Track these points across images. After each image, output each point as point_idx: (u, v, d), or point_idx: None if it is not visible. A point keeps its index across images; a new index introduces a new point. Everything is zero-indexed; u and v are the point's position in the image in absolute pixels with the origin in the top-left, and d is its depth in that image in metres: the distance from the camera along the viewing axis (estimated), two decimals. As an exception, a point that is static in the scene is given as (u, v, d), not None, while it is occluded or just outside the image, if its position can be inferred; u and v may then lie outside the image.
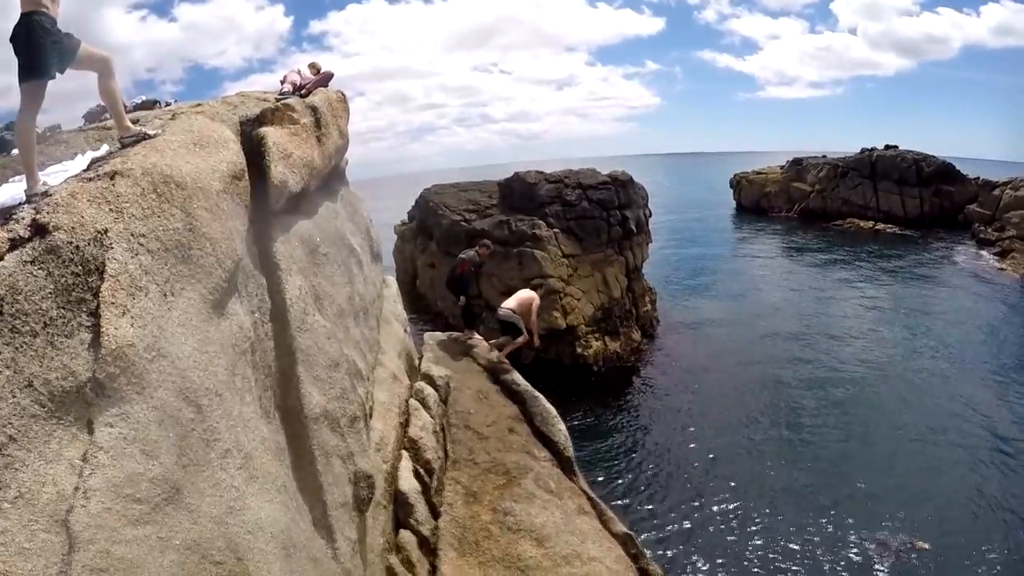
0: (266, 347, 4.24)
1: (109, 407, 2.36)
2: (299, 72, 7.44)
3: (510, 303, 10.56)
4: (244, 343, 3.64)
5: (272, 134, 5.11)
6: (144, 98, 6.60)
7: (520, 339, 10.39)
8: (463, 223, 26.32)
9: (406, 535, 6.03)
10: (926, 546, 13.78)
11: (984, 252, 43.62)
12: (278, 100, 5.99)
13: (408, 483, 6.51)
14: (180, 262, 3.02)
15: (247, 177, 4.19)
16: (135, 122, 3.98)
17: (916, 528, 14.61)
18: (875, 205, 56.29)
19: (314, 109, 6.42)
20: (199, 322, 3.09)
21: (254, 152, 4.78)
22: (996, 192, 49.86)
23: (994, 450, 18.32)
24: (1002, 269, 38.97)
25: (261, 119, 5.37)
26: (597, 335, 25.53)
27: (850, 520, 15.19)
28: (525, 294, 10.77)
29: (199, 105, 5.10)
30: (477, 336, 11.26)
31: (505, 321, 10.52)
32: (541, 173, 28.06)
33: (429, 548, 6.26)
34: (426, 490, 6.80)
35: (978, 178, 54.53)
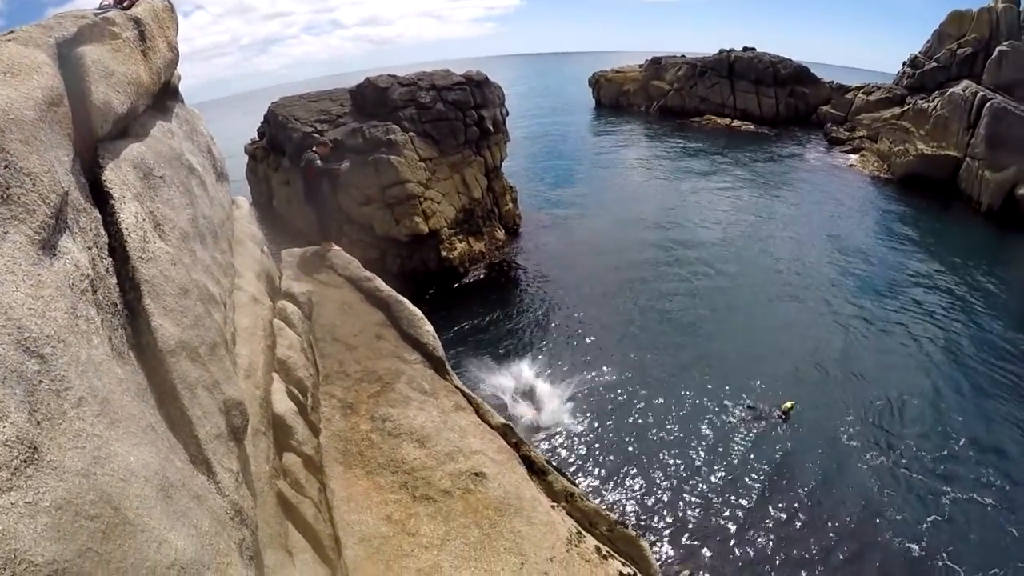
0: (108, 283, 3.91)
1: (-57, 373, 2.11)
2: None
3: None
4: (83, 282, 3.34)
5: (91, 52, 4.60)
6: None
7: None
8: (315, 135, 24.80)
9: (290, 458, 6.03)
10: (789, 404, 15.92)
11: (836, 150, 48.46)
12: (96, 15, 5.31)
13: (283, 405, 6.44)
14: (-1, 204, 2.68)
15: (67, 102, 3.78)
16: None
17: (781, 390, 16.74)
18: (732, 104, 59.61)
19: (137, 21, 5.76)
20: (29, 266, 2.78)
21: (74, 75, 4.29)
22: (849, 96, 54.71)
23: (842, 317, 21.24)
24: (852, 166, 43.94)
25: (79, 38, 4.76)
26: (461, 236, 25.78)
27: (721, 387, 17.04)
28: None
29: (11, 33, 4.44)
30: (336, 247, 11.01)
31: None
32: (394, 77, 26.77)
33: (315, 467, 6.34)
34: (302, 409, 6.78)
35: (832, 82, 58.94)
